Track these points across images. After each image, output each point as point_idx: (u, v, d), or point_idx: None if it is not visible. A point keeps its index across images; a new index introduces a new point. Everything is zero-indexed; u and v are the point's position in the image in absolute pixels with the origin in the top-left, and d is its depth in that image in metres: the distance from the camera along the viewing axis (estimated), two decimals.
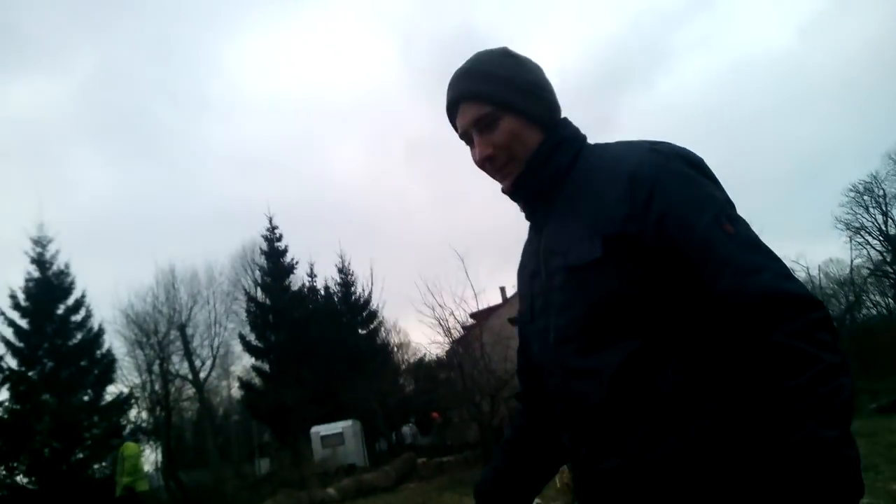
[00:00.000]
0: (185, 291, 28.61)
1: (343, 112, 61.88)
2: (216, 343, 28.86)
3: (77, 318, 24.98)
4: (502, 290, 31.13)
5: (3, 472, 20.91)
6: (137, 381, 25.98)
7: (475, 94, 1.45)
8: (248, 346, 30.14)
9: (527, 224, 1.59)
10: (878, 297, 39.71)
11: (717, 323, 1.20)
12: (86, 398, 24.16)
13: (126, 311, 26.69)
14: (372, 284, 34.37)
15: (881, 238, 37.45)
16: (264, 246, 31.94)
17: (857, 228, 37.52)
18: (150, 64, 56.96)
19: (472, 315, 19.36)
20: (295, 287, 31.91)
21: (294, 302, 30.95)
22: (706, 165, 1.34)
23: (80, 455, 22.38)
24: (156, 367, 26.15)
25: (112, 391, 25.16)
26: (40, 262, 24.65)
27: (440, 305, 18.31)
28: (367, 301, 33.01)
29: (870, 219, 37.62)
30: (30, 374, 23.19)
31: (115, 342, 28.38)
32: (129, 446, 12.33)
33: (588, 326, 1.30)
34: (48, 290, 24.39)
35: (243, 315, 30.67)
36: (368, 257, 55.84)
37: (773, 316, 1.11)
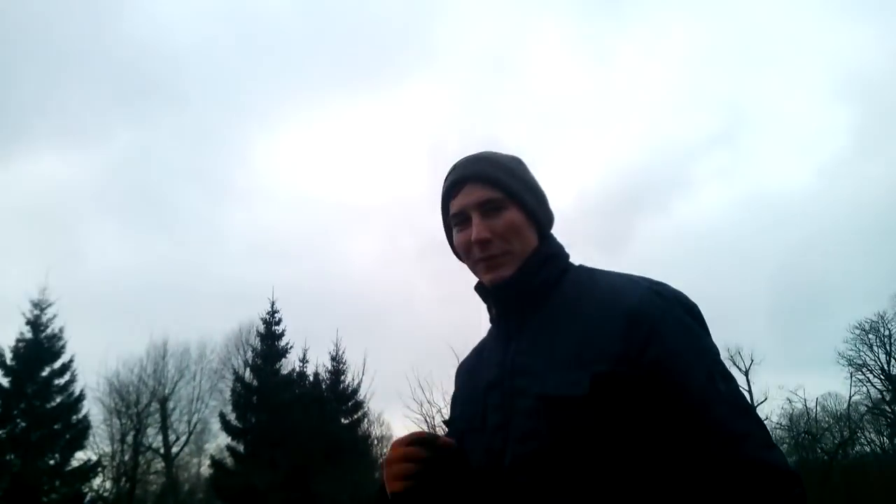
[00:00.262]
0: (174, 365, 29.14)
1: (362, 209, 63.09)
2: (195, 419, 29.02)
3: (60, 381, 25.24)
4: None
5: None
6: (108, 449, 26.10)
7: (487, 177, 1.44)
8: (226, 426, 30.05)
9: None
10: (873, 436, 39.13)
11: (694, 479, 1.18)
12: (52, 462, 24.15)
13: (111, 379, 27.13)
14: (363, 374, 34.32)
15: (882, 377, 37.23)
16: (261, 328, 32.18)
17: (860, 365, 37.48)
18: (181, 146, 59.09)
19: None
20: (285, 371, 32.05)
21: (281, 385, 30.99)
22: (701, 314, 1.34)
23: None
24: (129, 438, 26.30)
25: (80, 457, 25.18)
26: (35, 324, 25.26)
27: (428, 402, 18.44)
28: (356, 390, 32.91)
29: (873, 357, 37.57)
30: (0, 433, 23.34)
31: (93, 408, 28.36)
32: None
33: (553, 464, 1.23)
34: (37, 352, 24.85)
35: (228, 394, 30.81)
36: (364, 347, 55.84)
37: (759, 488, 1.13)
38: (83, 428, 25.39)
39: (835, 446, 33.46)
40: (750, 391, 33.58)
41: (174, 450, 28.15)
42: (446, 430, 1.59)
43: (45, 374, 24.96)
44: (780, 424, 36.48)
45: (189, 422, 28.90)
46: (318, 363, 33.69)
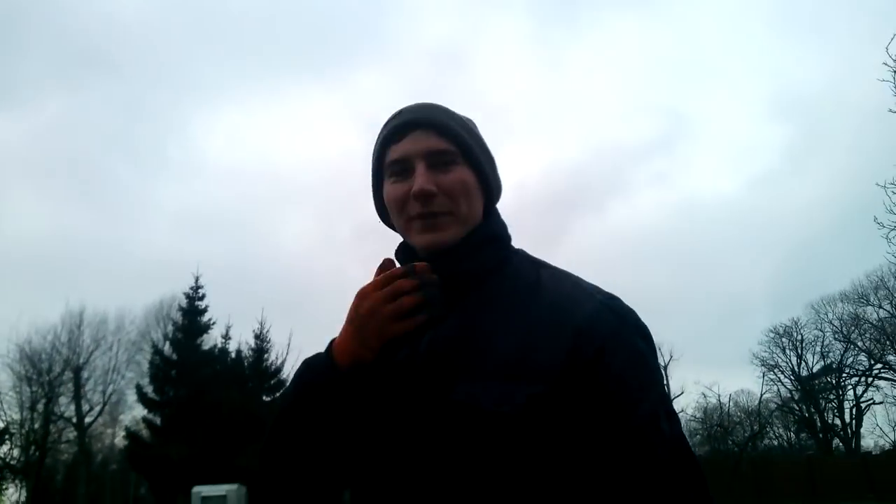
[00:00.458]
0: (90, 335, 28.19)
1: (298, 189, 62.65)
2: (110, 390, 28.20)
3: None
4: None
5: None
6: (17, 417, 25.15)
7: (442, 125, 1.24)
8: (143, 398, 29.31)
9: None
10: (781, 431, 41.39)
11: None
12: None
13: (22, 346, 26.12)
14: (287, 353, 34.05)
15: (792, 378, 39.39)
16: (184, 302, 31.52)
17: (772, 366, 40.09)
18: (116, 117, 57.54)
19: None
20: (207, 346, 31.47)
21: (202, 361, 30.37)
22: (652, 338, 1.19)
23: None
24: (40, 406, 25.38)
25: None
26: None
27: None
28: (279, 369, 32.48)
29: (785, 359, 40.08)
30: None
31: (2, 375, 27.57)
32: None
33: (470, 489, 1.06)
34: None
35: (146, 366, 30.09)
36: (290, 327, 55.29)
37: None
38: None
39: (745, 439, 34.94)
40: (668, 385, 34.64)
41: (87, 420, 27.20)
42: None
43: None
44: (695, 417, 38.37)
45: (104, 392, 28.08)
46: (242, 341, 33.19)
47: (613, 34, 71.95)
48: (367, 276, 1.21)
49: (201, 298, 31.65)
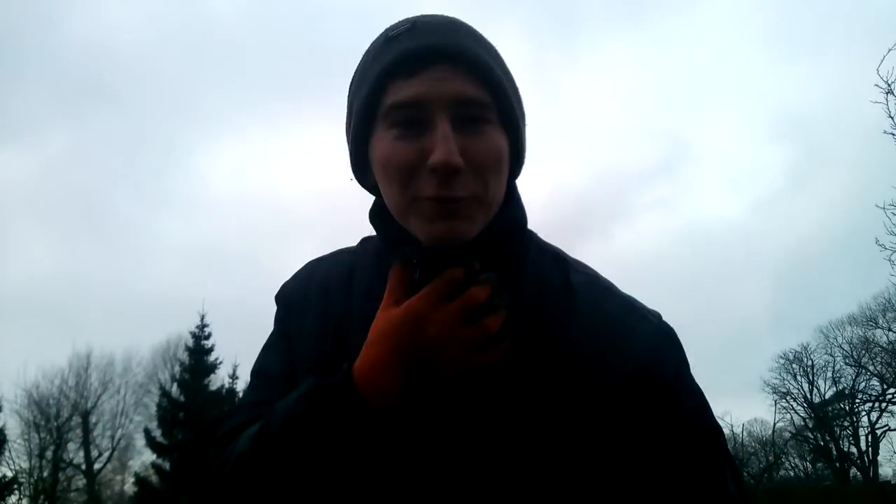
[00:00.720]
0: (97, 378, 28.04)
1: (303, 220, 62.71)
2: (118, 434, 27.95)
3: None
4: None
5: None
6: (25, 465, 24.88)
7: (474, 61, 0.90)
8: (151, 442, 29.08)
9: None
10: (796, 461, 40.88)
11: None
12: None
13: (30, 391, 25.94)
14: None
15: (805, 405, 38.95)
16: (190, 342, 31.42)
17: (784, 393, 39.43)
18: (120, 151, 57.74)
19: None
20: (214, 387, 31.23)
21: (210, 403, 30.19)
22: None
23: None
24: (49, 453, 25.11)
25: None
26: None
27: None
28: None
29: (796, 386, 39.49)
30: None
31: (10, 421, 27.29)
32: None
33: None
34: None
35: (153, 409, 29.85)
36: None
37: None
38: None
39: (760, 470, 34.61)
40: None
41: (96, 466, 27.01)
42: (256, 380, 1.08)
43: None
44: None
45: (112, 437, 27.89)
46: (249, 380, 32.98)
47: (611, 58, 72.31)
48: None
49: (207, 337, 31.49)
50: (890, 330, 35.58)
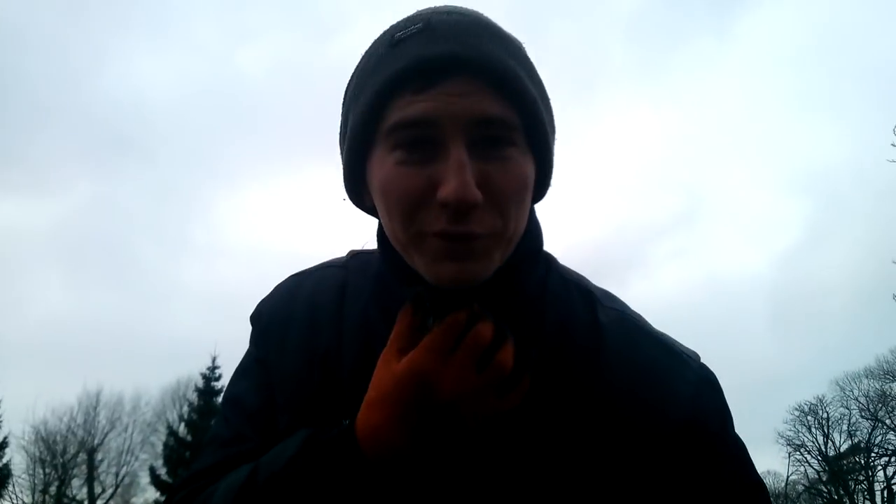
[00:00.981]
0: (105, 416, 28.25)
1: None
2: (123, 472, 28.10)
3: None
4: None
5: None
6: (29, 500, 25.07)
7: (504, 73, 0.74)
8: (156, 481, 29.10)
9: None
10: None
11: None
12: None
13: (38, 427, 26.23)
14: None
15: (819, 458, 38.26)
16: (200, 383, 31.68)
17: (798, 446, 38.94)
18: (141, 200, 58.96)
19: None
20: None
21: None
22: None
23: None
24: (53, 489, 25.31)
25: None
26: None
27: None
28: None
29: (811, 439, 38.96)
30: None
31: (16, 457, 27.49)
32: None
33: None
34: None
35: (160, 448, 30.00)
36: None
37: None
38: (3, 476, 24.43)
39: None
40: None
41: (99, 503, 26.99)
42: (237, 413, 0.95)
43: None
44: None
45: (117, 474, 27.91)
46: None
47: (629, 112, 73.08)
48: None
49: (218, 379, 31.68)
50: None
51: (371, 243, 0.92)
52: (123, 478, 28.33)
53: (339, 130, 0.86)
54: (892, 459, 35.83)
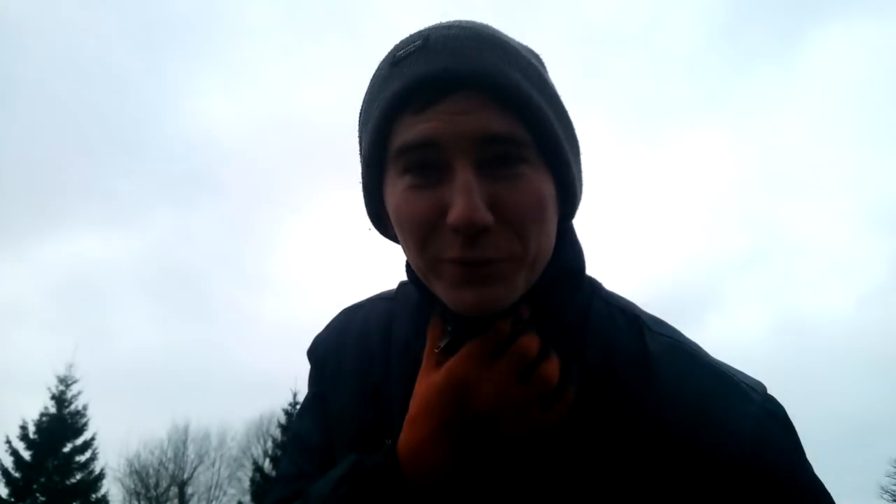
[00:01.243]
0: (194, 450, 28.73)
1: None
2: None
3: (81, 458, 25.18)
4: None
5: None
6: None
7: (508, 87, 0.70)
8: None
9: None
10: None
11: None
12: None
13: (132, 461, 26.79)
14: None
15: None
16: (282, 418, 31.96)
17: None
18: (219, 234, 60.63)
19: None
20: None
21: None
22: None
23: None
24: None
25: None
26: (60, 399, 25.27)
27: None
28: None
29: None
30: None
31: (113, 488, 28.19)
32: None
33: None
34: (60, 427, 24.79)
35: (247, 483, 30.24)
36: None
37: None
38: None
39: None
40: None
41: None
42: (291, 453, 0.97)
43: (66, 450, 25.07)
44: None
45: None
46: None
47: (696, 145, 72.15)
48: None
49: None
50: None
51: None
52: None
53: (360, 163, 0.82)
54: None
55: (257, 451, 31.31)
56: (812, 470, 0.77)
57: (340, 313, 1.03)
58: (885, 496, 35.74)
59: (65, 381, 25.55)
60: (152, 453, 27.67)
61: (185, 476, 27.65)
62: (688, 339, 0.84)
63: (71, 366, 25.99)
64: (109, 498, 25.50)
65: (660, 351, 0.79)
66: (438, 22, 0.76)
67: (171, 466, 27.55)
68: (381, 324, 0.95)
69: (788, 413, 0.79)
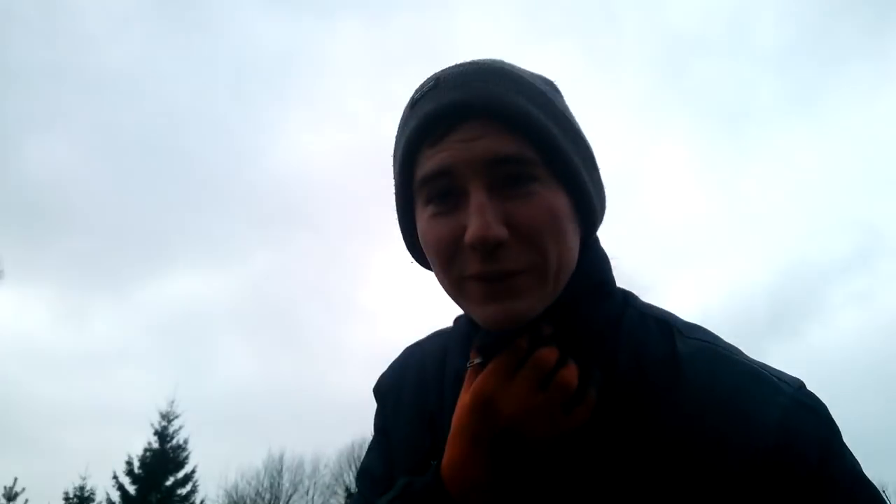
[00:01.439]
0: (289, 479, 29.53)
1: None
2: None
3: (183, 491, 25.98)
4: None
5: None
6: None
7: (513, 111, 0.76)
8: None
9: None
10: None
11: None
12: None
13: (230, 492, 27.77)
14: None
15: None
16: None
17: None
18: (311, 267, 62.24)
19: None
20: None
21: None
22: None
23: None
24: None
25: None
26: (162, 434, 26.41)
27: None
28: None
29: None
30: None
31: None
32: None
33: None
34: (163, 461, 25.85)
35: None
36: None
37: None
38: None
39: None
40: None
41: None
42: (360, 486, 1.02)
43: (169, 483, 25.89)
44: None
45: None
46: None
47: (786, 148, 69.54)
48: None
49: None
50: None
51: None
52: None
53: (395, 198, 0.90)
54: None
55: (349, 478, 31.92)
56: (852, 460, 0.75)
57: (404, 350, 1.10)
58: None
59: (166, 417, 26.67)
60: (249, 483, 28.74)
61: None
62: (723, 342, 0.84)
63: (172, 401, 27.10)
64: None
65: (690, 353, 0.81)
66: (451, 65, 0.83)
67: (266, 496, 28.45)
68: (436, 356, 1.00)
69: (828, 408, 0.78)
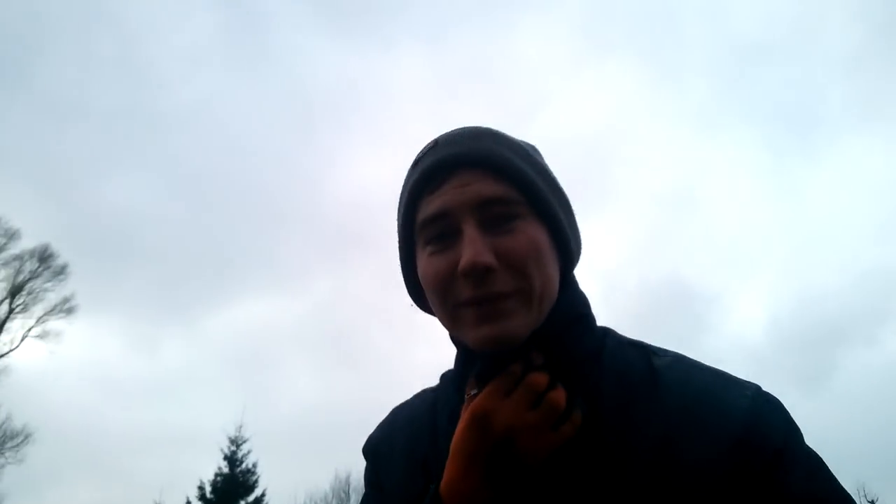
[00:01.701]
0: (355, 500, 29.80)
1: None
2: None
3: None
4: None
5: None
6: None
7: (496, 160, 0.90)
8: None
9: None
10: None
11: None
12: None
13: None
14: None
15: None
16: None
17: None
18: (373, 290, 62.93)
19: None
20: None
21: None
22: None
23: None
24: None
25: None
26: (232, 459, 26.84)
27: None
28: None
29: None
30: None
31: None
32: None
33: None
34: (234, 485, 26.27)
35: None
36: None
37: None
38: None
39: None
40: None
41: None
42: None
43: None
44: None
45: None
46: None
47: (856, 154, 67.49)
48: None
49: None
50: None
51: None
52: None
53: (398, 247, 1.02)
54: None
55: None
56: (807, 445, 0.87)
57: (391, 411, 1.17)
58: None
59: (236, 442, 27.23)
60: None
61: None
62: (689, 357, 0.96)
63: (240, 426, 27.65)
64: None
65: (665, 364, 0.93)
66: (449, 130, 0.96)
67: None
68: (427, 406, 1.08)
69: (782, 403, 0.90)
